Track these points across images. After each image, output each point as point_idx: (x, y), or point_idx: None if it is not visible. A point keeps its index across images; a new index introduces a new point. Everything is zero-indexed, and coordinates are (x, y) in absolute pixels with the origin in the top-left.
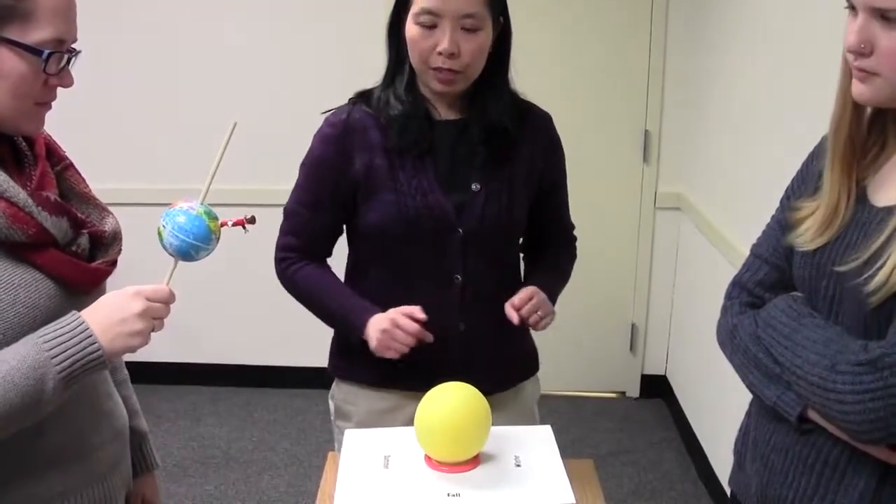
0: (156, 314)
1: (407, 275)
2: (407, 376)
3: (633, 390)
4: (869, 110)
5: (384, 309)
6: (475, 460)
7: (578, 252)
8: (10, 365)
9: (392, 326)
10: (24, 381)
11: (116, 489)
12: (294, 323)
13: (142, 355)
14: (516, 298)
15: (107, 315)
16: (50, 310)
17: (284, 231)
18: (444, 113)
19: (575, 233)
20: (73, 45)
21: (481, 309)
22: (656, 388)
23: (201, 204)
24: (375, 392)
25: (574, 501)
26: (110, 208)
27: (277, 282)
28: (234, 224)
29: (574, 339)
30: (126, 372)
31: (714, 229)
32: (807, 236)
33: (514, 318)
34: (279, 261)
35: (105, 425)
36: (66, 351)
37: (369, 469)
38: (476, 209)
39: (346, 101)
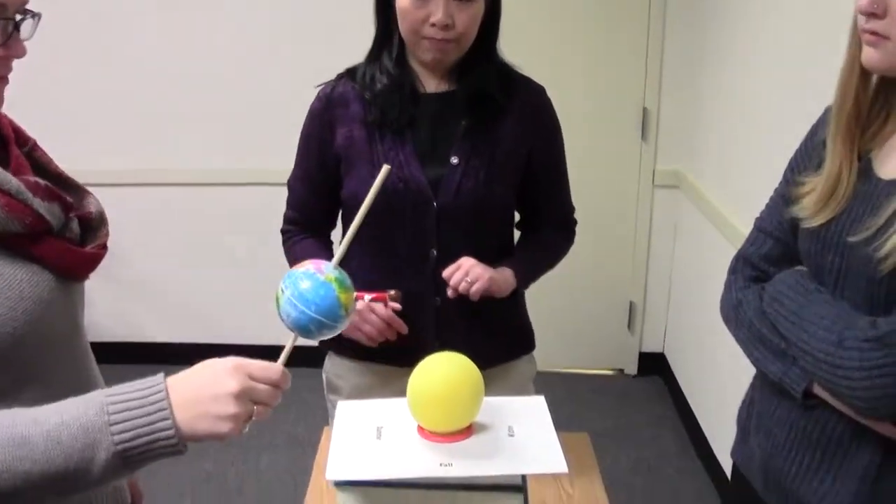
0: (258, 398)
1: (385, 248)
2: (389, 351)
3: (631, 368)
4: (874, 80)
5: (365, 286)
6: (468, 430)
7: (578, 228)
8: (61, 419)
9: (366, 310)
10: (72, 443)
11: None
12: None
13: (140, 335)
14: (445, 271)
15: (196, 388)
16: (52, 303)
17: (287, 203)
18: (430, 86)
19: (576, 216)
20: (26, 8)
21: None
22: (654, 365)
23: (335, 268)
24: (362, 366)
25: (567, 471)
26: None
27: (274, 261)
28: (374, 300)
29: (572, 316)
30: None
31: (713, 207)
32: (810, 209)
33: (449, 291)
34: (282, 233)
35: None
36: (130, 420)
37: (361, 440)
38: (452, 183)
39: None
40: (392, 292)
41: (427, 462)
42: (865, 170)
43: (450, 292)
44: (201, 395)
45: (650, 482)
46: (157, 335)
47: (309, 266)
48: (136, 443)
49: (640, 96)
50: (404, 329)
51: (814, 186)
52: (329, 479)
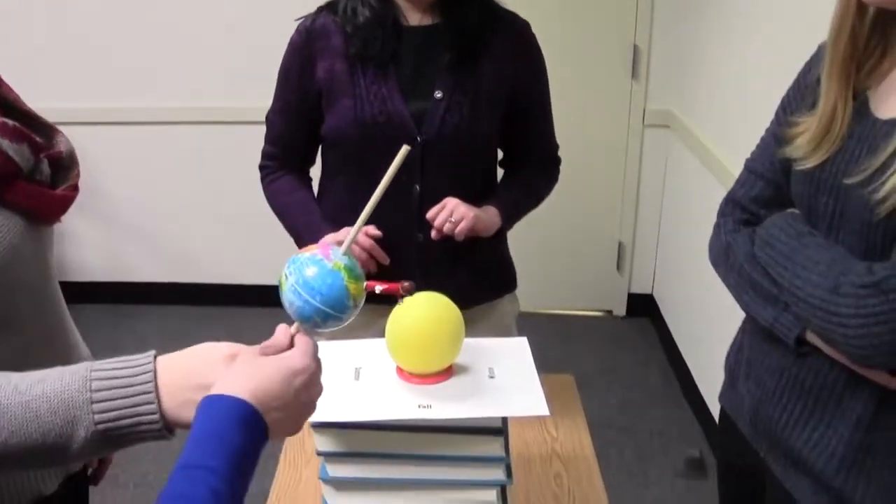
0: None
1: (367, 183)
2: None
3: (620, 309)
4: (871, 14)
5: (344, 223)
6: (448, 372)
7: (566, 168)
8: (42, 391)
9: None
10: (51, 417)
11: None
12: (283, 241)
13: (128, 275)
14: (430, 212)
15: (186, 375)
16: (22, 248)
17: (265, 138)
18: (413, 19)
19: (560, 154)
20: None
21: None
22: (643, 306)
23: (343, 254)
24: None
25: (548, 413)
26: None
27: (263, 202)
28: (385, 291)
29: (560, 257)
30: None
31: (703, 147)
32: (803, 150)
33: (433, 233)
34: (260, 169)
35: (74, 360)
36: (113, 400)
37: (339, 381)
38: (436, 118)
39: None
40: (406, 284)
41: (405, 404)
42: (862, 109)
43: (434, 234)
44: (191, 383)
45: (637, 423)
46: (144, 275)
47: (316, 251)
48: (117, 423)
49: (630, 34)
50: (385, 259)
51: (807, 126)
52: None
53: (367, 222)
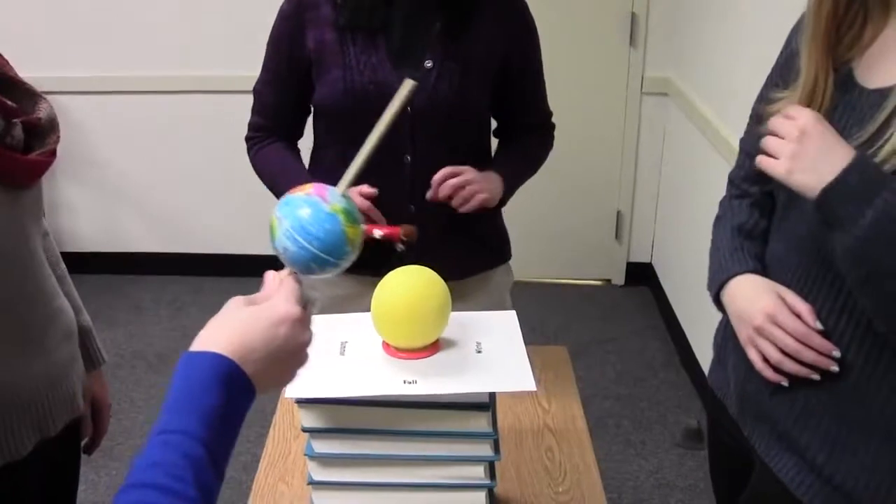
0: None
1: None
2: (364, 261)
3: (619, 278)
4: None
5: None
6: (434, 346)
7: (564, 137)
8: None
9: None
10: None
11: (75, 387)
12: None
13: (123, 245)
14: (438, 174)
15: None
16: None
17: (252, 110)
18: None
19: (554, 120)
20: None
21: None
22: (642, 275)
23: (342, 195)
24: (337, 277)
25: (535, 388)
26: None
27: None
28: (385, 237)
29: (559, 226)
30: (64, 266)
31: (701, 115)
32: None
33: (429, 194)
34: (247, 140)
35: (57, 325)
36: None
37: (324, 356)
38: (427, 87)
39: None
40: (406, 227)
41: (391, 379)
42: (846, 80)
43: (430, 194)
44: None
45: (635, 393)
46: (139, 245)
47: (311, 190)
48: None
49: (628, 1)
50: (383, 221)
51: (788, 101)
52: (288, 397)
53: (357, 183)
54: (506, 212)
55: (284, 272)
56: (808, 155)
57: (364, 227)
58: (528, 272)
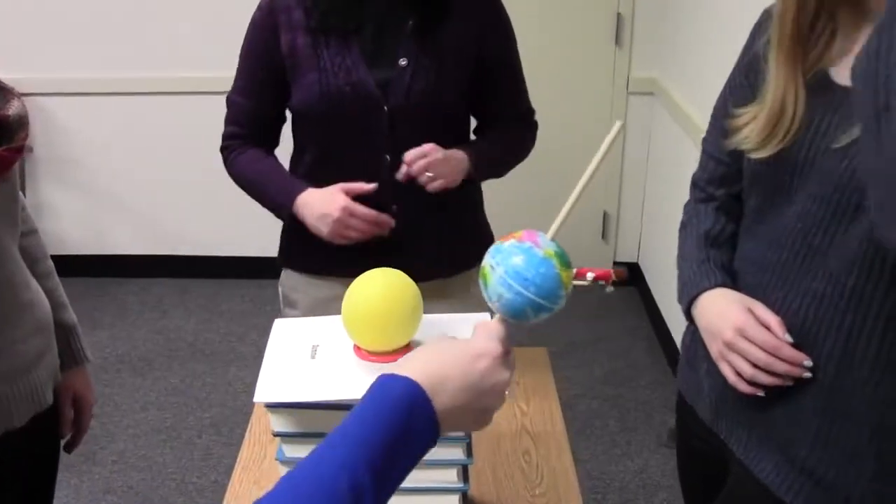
0: None
1: (337, 156)
2: (345, 262)
3: None
4: None
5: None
6: (406, 349)
7: (550, 137)
8: None
9: (345, 215)
10: None
11: (42, 383)
12: (261, 213)
13: (108, 248)
14: (410, 153)
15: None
16: None
17: (226, 121)
18: None
19: (539, 120)
20: None
21: (415, 190)
22: (629, 275)
23: (552, 241)
24: (319, 280)
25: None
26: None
27: None
28: (597, 279)
29: (544, 226)
30: (51, 263)
31: (687, 115)
32: (753, 141)
33: (400, 173)
34: (222, 150)
35: (26, 318)
36: None
37: (294, 359)
38: (402, 85)
39: None
40: (618, 269)
41: (361, 383)
42: (821, 82)
43: (401, 173)
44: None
45: (622, 393)
46: (124, 247)
47: (522, 236)
48: None
49: (614, 1)
50: (391, 223)
51: (754, 115)
52: (257, 401)
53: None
54: (490, 211)
55: (495, 320)
56: None
57: (575, 270)
58: None
